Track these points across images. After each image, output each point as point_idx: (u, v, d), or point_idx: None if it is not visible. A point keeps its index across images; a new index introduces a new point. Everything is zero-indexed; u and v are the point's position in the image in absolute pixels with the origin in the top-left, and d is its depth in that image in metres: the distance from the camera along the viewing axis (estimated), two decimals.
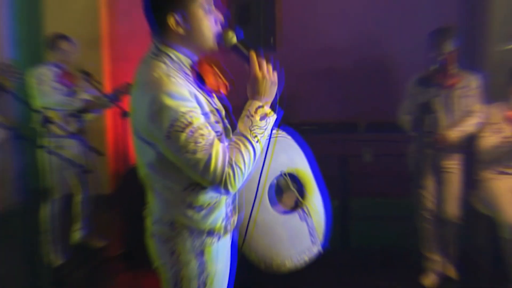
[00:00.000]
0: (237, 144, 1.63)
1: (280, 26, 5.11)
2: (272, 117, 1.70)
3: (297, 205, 2.18)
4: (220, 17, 1.74)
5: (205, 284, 1.82)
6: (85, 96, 4.29)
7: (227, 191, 1.62)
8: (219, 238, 1.83)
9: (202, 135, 1.56)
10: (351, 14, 5.32)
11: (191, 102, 1.59)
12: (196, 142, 1.54)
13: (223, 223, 1.82)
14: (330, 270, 3.94)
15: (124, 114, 4.39)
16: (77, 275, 4.12)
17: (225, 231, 1.85)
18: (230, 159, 1.59)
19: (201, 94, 1.69)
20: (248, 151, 1.63)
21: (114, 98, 4.34)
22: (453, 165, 3.79)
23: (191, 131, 1.54)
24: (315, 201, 2.20)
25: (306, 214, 2.18)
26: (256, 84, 1.68)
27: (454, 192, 3.78)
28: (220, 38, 1.73)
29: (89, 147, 3.91)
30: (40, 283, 3.27)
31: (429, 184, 3.79)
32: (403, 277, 3.80)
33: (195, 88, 1.68)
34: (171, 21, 1.67)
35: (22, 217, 3.27)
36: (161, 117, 1.55)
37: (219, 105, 1.80)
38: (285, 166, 2.13)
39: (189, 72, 1.73)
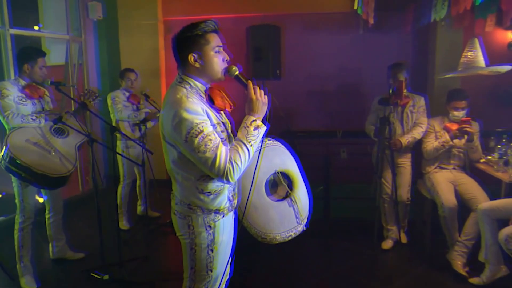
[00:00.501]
0: (236, 147, 1.63)
1: (283, 61, 5.05)
2: (262, 128, 1.70)
3: (287, 195, 2.13)
4: (226, 56, 1.76)
5: (212, 250, 1.80)
6: (146, 111, 4.30)
7: (228, 181, 1.64)
8: (223, 216, 1.81)
9: (210, 140, 1.59)
10: (335, 51, 5.25)
11: (203, 116, 1.62)
12: (206, 145, 1.58)
13: (226, 205, 1.82)
14: (315, 235, 3.86)
15: None
16: (140, 237, 4.12)
17: (228, 211, 1.84)
18: (231, 157, 1.61)
19: (211, 111, 1.71)
20: (244, 152, 1.64)
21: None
22: (405, 162, 3.69)
23: (202, 137, 1.58)
24: (300, 193, 2.15)
25: (293, 202, 2.13)
26: (251, 104, 1.69)
27: (406, 181, 3.68)
28: (226, 71, 1.76)
29: (145, 148, 3.91)
30: (114, 242, 3.29)
31: (387, 175, 3.70)
32: (369, 243, 3.69)
33: (207, 106, 1.69)
34: (191, 58, 1.70)
35: (104, 196, 3.28)
36: (181, 127, 1.59)
37: (224, 119, 1.81)
38: (278, 166, 2.11)
39: (203, 95, 1.74)
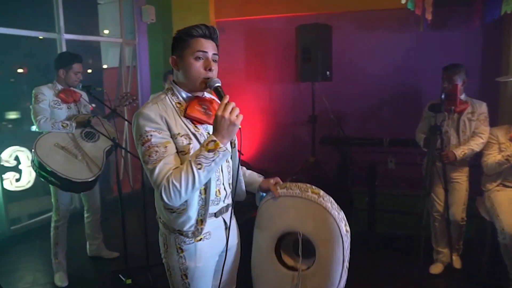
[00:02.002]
0: (182, 167, 1.42)
1: (334, 62, 4.70)
2: (222, 152, 1.42)
3: (296, 269, 1.78)
4: (210, 65, 1.52)
5: (186, 275, 1.62)
6: None
7: (163, 200, 1.43)
8: (189, 241, 1.60)
9: (156, 151, 1.45)
10: (390, 51, 4.78)
11: (156, 125, 1.47)
12: (149, 156, 1.45)
13: (191, 229, 1.58)
14: (357, 249, 3.51)
15: None
16: None
17: (194, 236, 1.60)
18: (170, 175, 1.42)
19: (176, 121, 1.51)
20: (187, 174, 1.40)
21: None
22: (460, 177, 3.18)
23: (148, 146, 1.45)
24: (316, 272, 1.72)
25: (298, 281, 1.76)
26: (215, 122, 1.42)
27: (460, 198, 3.18)
28: (208, 82, 1.52)
29: None
30: (141, 246, 3.27)
31: (439, 191, 3.22)
32: (415, 264, 3.25)
33: (173, 116, 1.52)
34: (172, 60, 1.57)
35: (142, 195, 3.25)
36: (134, 132, 1.50)
37: (200, 132, 1.57)
38: (307, 228, 1.70)
39: (180, 105, 1.56)
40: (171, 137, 1.50)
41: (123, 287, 3.07)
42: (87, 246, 3.61)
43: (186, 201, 1.54)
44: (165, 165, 1.44)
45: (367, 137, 4.23)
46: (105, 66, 5.62)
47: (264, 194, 1.84)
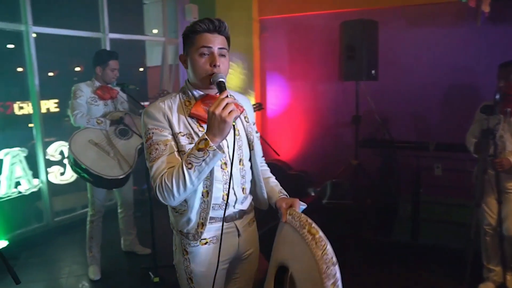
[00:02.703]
0: (176, 166, 1.38)
1: (380, 61, 4.44)
2: (212, 152, 1.32)
3: None
4: (216, 61, 1.44)
5: (192, 279, 1.58)
6: None
7: (158, 198, 1.40)
8: (194, 243, 1.54)
9: (156, 149, 1.44)
10: (442, 49, 4.43)
11: (159, 123, 1.46)
12: (150, 153, 1.44)
13: (192, 231, 1.53)
14: (398, 260, 3.32)
15: None
16: None
17: (194, 239, 1.53)
18: (164, 174, 1.39)
19: (183, 119, 1.49)
20: (178, 173, 1.36)
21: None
22: None
23: (149, 143, 1.45)
24: None
25: None
26: (208, 119, 1.34)
27: None
28: (212, 77, 1.45)
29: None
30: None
31: (491, 202, 2.90)
32: (462, 282, 2.97)
33: (179, 114, 1.49)
34: (181, 58, 1.57)
35: None
36: (142, 129, 1.51)
37: (204, 131, 1.48)
38: (296, 269, 1.44)
39: (190, 103, 1.52)
40: (173, 135, 1.46)
41: (151, 285, 3.08)
42: (121, 241, 3.68)
43: (187, 202, 1.48)
44: (162, 163, 1.41)
45: (412, 141, 3.95)
46: (149, 65, 5.74)
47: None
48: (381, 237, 3.83)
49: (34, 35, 4.15)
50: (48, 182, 4.06)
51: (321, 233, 1.34)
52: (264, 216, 2.00)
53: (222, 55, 1.48)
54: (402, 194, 3.96)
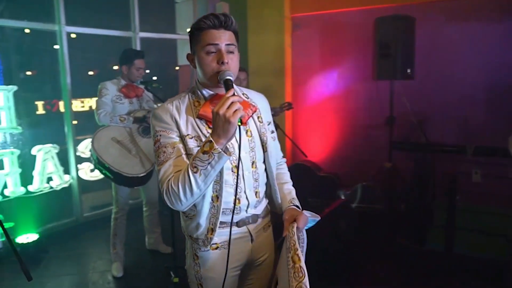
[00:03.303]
0: (182, 170, 1.33)
1: (416, 59, 4.22)
2: (217, 155, 1.25)
3: None
4: (223, 58, 1.38)
5: (202, 285, 1.53)
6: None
7: (167, 203, 1.35)
8: (204, 248, 1.48)
9: (164, 152, 1.39)
10: (484, 47, 4.14)
11: (166, 125, 1.41)
12: (158, 156, 1.40)
13: (201, 237, 1.47)
14: (430, 272, 3.14)
15: (276, 127, 4.12)
16: None
17: (204, 245, 1.47)
18: (170, 178, 1.34)
19: (191, 121, 1.43)
20: (184, 177, 1.30)
21: (273, 114, 4.10)
22: None
23: (157, 146, 1.41)
24: None
25: None
26: (213, 119, 1.27)
27: None
28: (219, 75, 1.38)
29: None
30: None
31: None
32: None
33: (187, 116, 1.44)
34: (188, 57, 1.50)
35: None
36: (151, 130, 1.49)
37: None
38: None
39: (199, 103, 1.46)
40: (181, 137, 1.40)
41: (171, 284, 3.07)
42: (146, 239, 3.71)
43: (196, 207, 1.42)
44: (169, 167, 1.36)
45: (449, 144, 3.71)
46: (180, 64, 5.77)
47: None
48: (413, 245, 3.63)
49: (73, 35, 4.31)
50: (78, 178, 4.17)
51: (302, 263, 1.27)
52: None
53: (230, 52, 1.41)
54: (437, 200, 3.73)
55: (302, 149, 4.54)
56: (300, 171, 4.87)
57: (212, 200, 1.43)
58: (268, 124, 1.62)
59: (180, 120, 1.41)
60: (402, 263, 3.36)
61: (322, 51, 5.33)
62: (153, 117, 1.45)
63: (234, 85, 1.56)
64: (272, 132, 1.64)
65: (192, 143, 1.40)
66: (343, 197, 4.45)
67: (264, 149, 1.55)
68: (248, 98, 1.60)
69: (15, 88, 3.68)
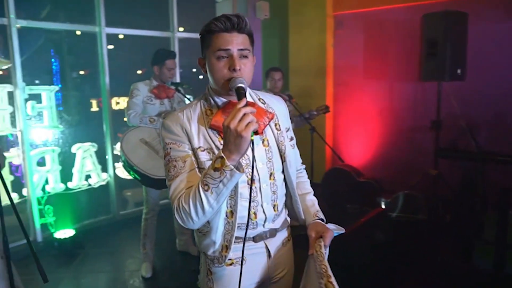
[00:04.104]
0: (194, 186, 1.22)
1: (468, 58, 3.88)
2: (229, 172, 1.14)
3: None
4: (235, 65, 1.26)
5: None
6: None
7: (178, 221, 1.25)
8: (218, 265, 1.39)
9: (174, 166, 1.29)
10: None
11: (176, 137, 1.31)
12: (168, 170, 1.30)
13: (215, 254, 1.37)
14: None
15: (312, 130, 3.96)
16: None
17: (218, 261, 1.38)
18: (181, 195, 1.25)
19: (203, 132, 1.32)
20: (195, 196, 1.20)
21: (309, 116, 3.94)
22: None
23: (168, 160, 1.31)
24: None
25: None
26: (223, 133, 1.16)
27: None
28: (230, 83, 1.27)
29: None
30: None
31: None
32: None
33: (199, 126, 1.33)
34: (199, 62, 1.40)
35: None
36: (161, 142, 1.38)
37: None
38: None
39: (211, 112, 1.35)
40: (192, 150, 1.30)
41: None
42: (176, 241, 3.69)
43: (209, 223, 1.32)
44: (180, 182, 1.27)
45: (501, 152, 3.36)
46: None
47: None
48: (458, 262, 3.33)
49: (121, 36, 4.42)
50: (116, 176, 4.24)
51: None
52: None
53: (244, 56, 1.29)
54: (487, 214, 3.40)
55: (342, 152, 4.35)
56: (339, 175, 4.67)
57: (226, 216, 1.33)
58: (287, 131, 1.50)
59: (191, 131, 1.31)
60: (444, 281, 3.08)
61: (365, 50, 5.08)
62: (162, 128, 1.34)
63: (249, 90, 1.46)
64: (291, 139, 1.51)
65: (204, 156, 1.30)
66: (383, 205, 4.20)
67: (283, 159, 1.43)
68: (264, 103, 1.48)
69: (56, 88, 3.81)
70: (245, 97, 1.21)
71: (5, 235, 1.97)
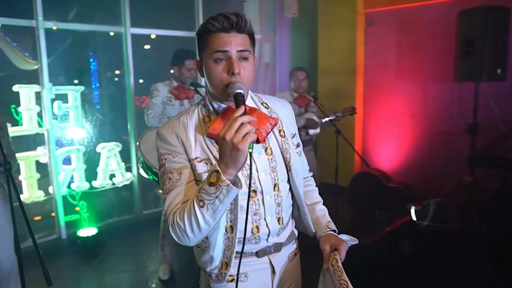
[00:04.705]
0: (189, 201, 1.14)
1: (509, 57, 3.60)
2: (225, 187, 1.05)
3: None
4: (234, 68, 1.15)
5: None
6: (309, 115, 3.82)
7: (173, 238, 1.17)
8: (218, 282, 1.29)
9: (169, 178, 1.20)
10: None
11: (172, 146, 1.22)
12: (163, 183, 1.22)
13: (214, 271, 1.28)
14: None
15: (337, 132, 3.79)
16: None
17: (218, 278, 1.28)
18: (176, 210, 1.16)
19: (200, 141, 1.22)
20: (190, 212, 1.11)
21: (334, 118, 3.77)
22: None
23: (163, 172, 1.23)
24: None
25: None
26: (219, 144, 1.08)
27: None
28: (228, 88, 1.17)
29: None
30: None
31: None
32: None
33: (196, 134, 1.23)
34: (196, 65, 1.30)
35: None
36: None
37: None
38: None
39: (209, 119, 1.26)
40: (189, 161, 1.21)
41: None
42: None
43: (207, 238, 1.23)
44: (176, 196, 1.18)
45: None
46: None
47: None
48: (495, 279, 3.07)
49: (153, 36, 4.45)
50: (139, 176, 4.25)
51: None
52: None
53: (244, 59, 1.18)
54: None
55: (372, 155, 4.15)
56: (368, 180, 4.47)
57: (226, 231, 1.23)
58: (293, 137, 1.38)
59: (187, 141, 1.22)
60: None
61: (397, 49, 4.83)
62: (157, 137, 1.25)
63: (251, 94, 1.35)
64: (298, 145, 1.39)
65: (201, 168, 1.20)
66: (412, 213, 3.97)
67: (288, 168, 1.32)
68: (268, 107, 1.37)
69: (82, 88, 3.85)
70: (244, 104, 1.10)
71: (17, 236, 1.99)
